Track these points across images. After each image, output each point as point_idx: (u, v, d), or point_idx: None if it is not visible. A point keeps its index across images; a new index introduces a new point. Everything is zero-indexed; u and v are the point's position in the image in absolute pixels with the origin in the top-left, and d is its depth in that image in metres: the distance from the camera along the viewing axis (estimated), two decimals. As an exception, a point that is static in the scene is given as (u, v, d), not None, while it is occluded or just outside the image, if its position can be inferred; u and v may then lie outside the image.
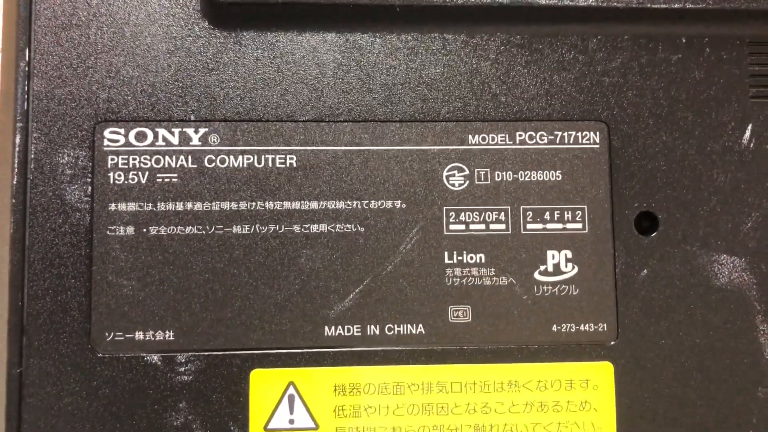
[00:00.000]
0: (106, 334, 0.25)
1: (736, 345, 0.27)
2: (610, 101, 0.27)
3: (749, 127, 0.28)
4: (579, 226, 0.27)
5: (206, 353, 0.26)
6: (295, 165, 0.26)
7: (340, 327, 0.26)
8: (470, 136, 0.27)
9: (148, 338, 0.26)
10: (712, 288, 0.27)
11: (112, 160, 0.26)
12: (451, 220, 0.27)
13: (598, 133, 0.27)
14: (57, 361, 0.25)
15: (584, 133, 0.27)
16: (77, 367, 0.25)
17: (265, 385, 0.26)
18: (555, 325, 0.27)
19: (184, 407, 0.25)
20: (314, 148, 0.26)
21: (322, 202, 0.26)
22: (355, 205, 0.26)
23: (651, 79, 0.28)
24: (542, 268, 0.27)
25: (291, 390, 0.26)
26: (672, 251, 0.27)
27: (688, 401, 0.27)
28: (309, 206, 0.26)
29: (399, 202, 0.27)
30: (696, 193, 0.27)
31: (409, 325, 0.26)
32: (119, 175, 0.26)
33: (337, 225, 0.26)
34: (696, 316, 0.27)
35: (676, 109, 0.28)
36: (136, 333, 0.26)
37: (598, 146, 0.27)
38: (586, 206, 0.27)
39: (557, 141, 0.27)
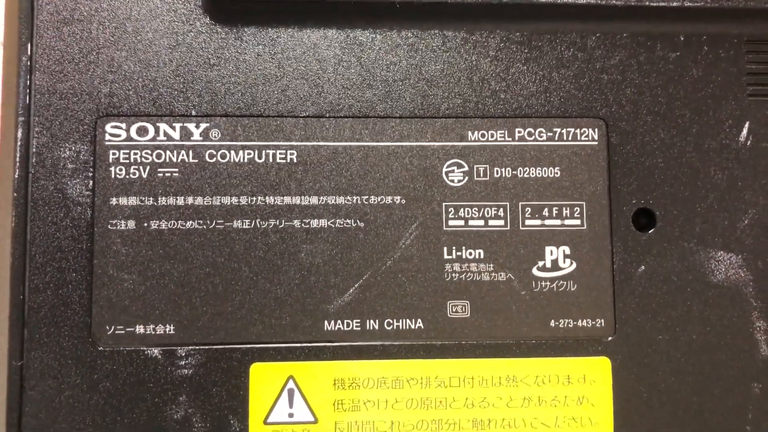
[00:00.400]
0: (107, 327, 0.26)
1: (733, 341, 0.27)
2: (609, 98, 0.28)
3: (746, 125, 0.28)
4: (577, 222, 0.27)
5: (206, 347, 0.26)
6: (295, 160, 0.27)
7: (339, 321, 0.26)
8: (470, 133, 0.27)
9: (148, 332, 0.26)
10: (709, 284, 0.27)
11: (114, 154, 0.26)
12: (450, 215, 0.27)
13: (596, 129, 0.27)
14: (58, 354, 0.25)
15: (583, 129, 0.27)
16: (78, 361, 0.25)
17: (264, 379, 0.26)
18: (553, 321, 0.27)
19: (184, 401, 0.26)
20: (314, 143, 0.27)
21: (322, 198, 0.27)
22: (354, 200, 0.27)
23: (649, 76, 0.28)
24: (540, 263, 0.27)
25: (290, 384, 0.26)
26: (669, 248, 0.27)
27: (684, 396, 0.27)
28: (309, 201, 0.26)
29: (398, 197, 0.27)
30: (693, 190, 0.28)
31: (408, 320, 0.27)
32: (120, 170, 0.26)
33: (337, 220, 0.27)
34: (693, 312, 0.27)
35: (674, 107, 0.28)
36: (137, 327, 0.26)
37: (596, 143, 0.27)
38: (584, 202, 0.27)
39: (556, 138, 0.27)
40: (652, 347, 0.27)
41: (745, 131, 0.28)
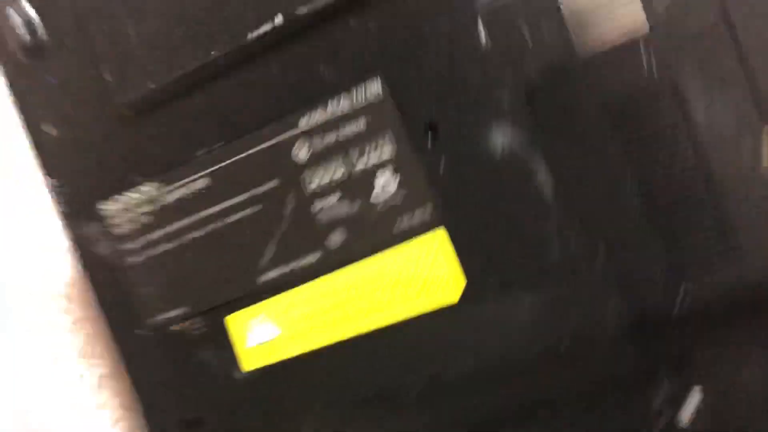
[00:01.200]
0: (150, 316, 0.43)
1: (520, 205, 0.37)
2: None
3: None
4: (389, 148, 0.38)
5: (203, 315, 0.42)
6: (210, 183, 0.41)
7: (271, 272, 0.40)
8: (302, 119, 0.39)
9: (172, 315, 0.42)
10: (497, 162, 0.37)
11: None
12: (310, 183, 0.39)
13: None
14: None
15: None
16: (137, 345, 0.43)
17: (238, 322, 0.41)
18: (396, 224, 0.38)
19: (205, 347, 0.42)
20: (221, 165, 0.41)
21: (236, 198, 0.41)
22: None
23: None
24: (375, 191, 0.38)
25: (260, 318, 0.41)
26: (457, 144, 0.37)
27: (504, 238, 0.37)
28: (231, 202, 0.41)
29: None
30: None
31: (307, 256, 0.40)
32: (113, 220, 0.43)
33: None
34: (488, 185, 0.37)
35: None
36: (169, 312, 0.42)
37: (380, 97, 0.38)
38: (388, 130, 0.38)
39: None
40: (469, 215, 0.37)
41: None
